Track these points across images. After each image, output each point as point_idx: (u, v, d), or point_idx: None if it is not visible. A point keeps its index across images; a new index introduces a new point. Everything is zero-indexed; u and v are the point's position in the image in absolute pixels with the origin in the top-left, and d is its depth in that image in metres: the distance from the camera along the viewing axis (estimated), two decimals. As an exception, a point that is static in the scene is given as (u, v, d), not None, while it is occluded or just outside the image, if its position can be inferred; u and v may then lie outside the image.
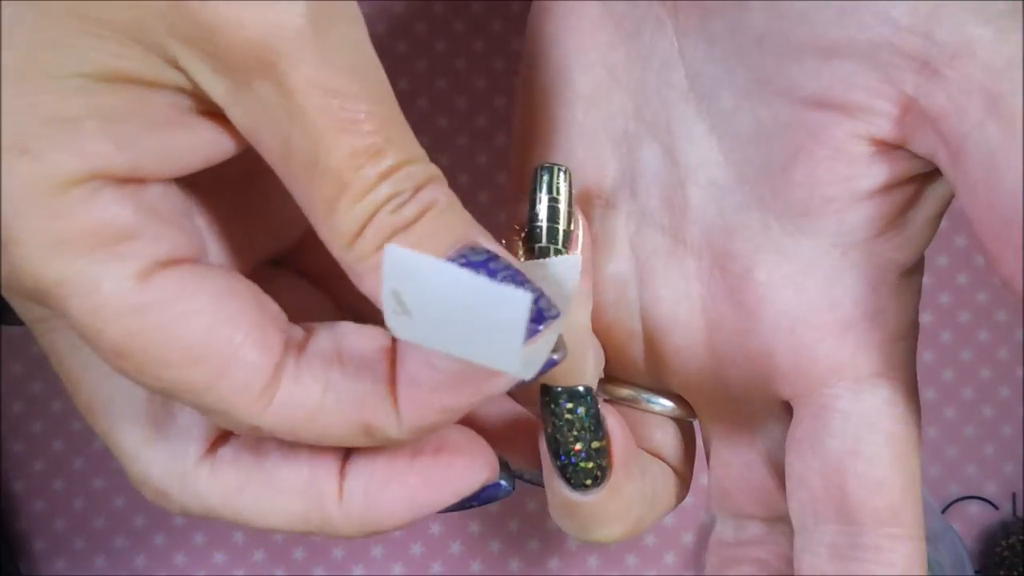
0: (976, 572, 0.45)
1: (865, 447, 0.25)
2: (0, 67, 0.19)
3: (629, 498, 0.26)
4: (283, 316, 0.23)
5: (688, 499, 0.30)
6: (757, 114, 0.25)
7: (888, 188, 0.24)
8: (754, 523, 0.28)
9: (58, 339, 0.24)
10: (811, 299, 0.25)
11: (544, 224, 0.25)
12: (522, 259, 0.26)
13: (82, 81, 0.20)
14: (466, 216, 0.22)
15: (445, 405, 0.22)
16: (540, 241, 0.25)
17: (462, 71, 0.45)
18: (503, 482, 0.25)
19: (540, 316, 0.21)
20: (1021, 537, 0.44)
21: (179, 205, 0.22)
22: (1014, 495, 0.46)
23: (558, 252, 0.25)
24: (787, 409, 0.27)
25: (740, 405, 0.27)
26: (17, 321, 0.34)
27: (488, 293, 0.19)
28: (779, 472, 0.27)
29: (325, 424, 0.22)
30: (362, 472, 0.23)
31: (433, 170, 0.22)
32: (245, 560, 0.45)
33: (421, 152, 0.22)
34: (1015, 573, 0.44)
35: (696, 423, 0.29)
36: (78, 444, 0.45)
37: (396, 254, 0.20)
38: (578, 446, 0.25)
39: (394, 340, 0.23)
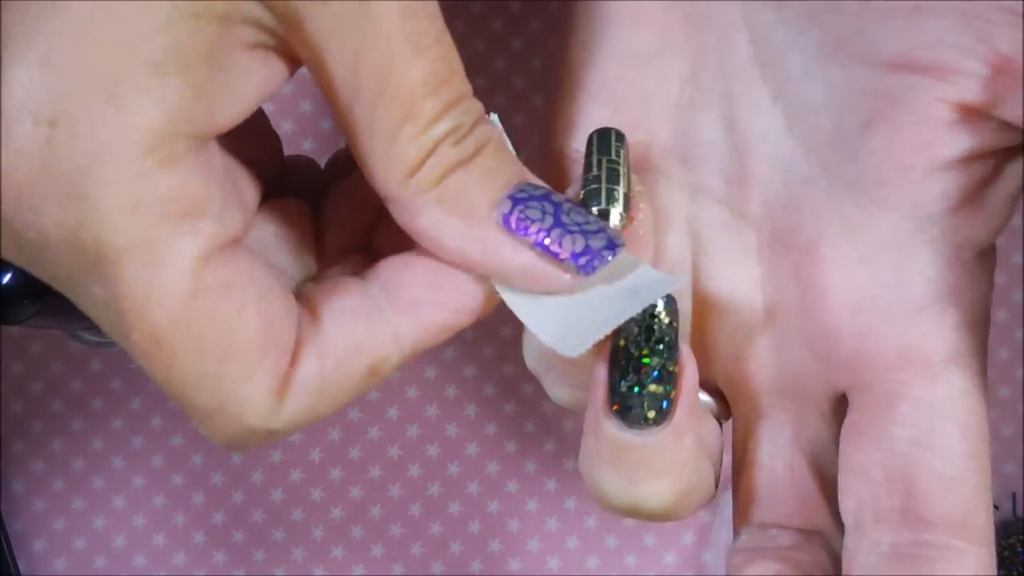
0: (976, 572, 0.45)
1: (938, 439, 0.23)
2: None
3: (688, 451, 0.23)
4: (294, 307, 0.22)
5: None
6: (829, 79, 0.24)
7: (969, 159, 0.23)
8: (785, 533, 0.25)
9: None
10: (882, 277, 0.24)
11: (604, 186, 0.23)
12: None
13: (168, 15, 0.18)
14: (514, 155, 0.22)
15: (441, 301, 0.22)
16: (600, 204, 0.23)
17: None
18: None
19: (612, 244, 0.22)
20: (1021, 537, 0.44)
21: (224, 166, 0.21)
22: (1014, 495, 0.46)
23: (620, 216, 0.23)
24: (837, 407, 0.25)
25: (789, 399, 0.25)
26: (17, 321, 0.34)
27: (633, 304, 0.22)
28: (823, 477, 0.25)
29: (336, 388, 0.21)
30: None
31: (481, 107, 0.22)
32: (244, 560, 0.45)
33: (471, 87, 0.22)
34: (1015, 573, 0.44)
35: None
36: (78, 444, 0.45)
37: (512, 299, 0.22)
38: (654, 361, 0.22)
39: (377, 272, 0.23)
